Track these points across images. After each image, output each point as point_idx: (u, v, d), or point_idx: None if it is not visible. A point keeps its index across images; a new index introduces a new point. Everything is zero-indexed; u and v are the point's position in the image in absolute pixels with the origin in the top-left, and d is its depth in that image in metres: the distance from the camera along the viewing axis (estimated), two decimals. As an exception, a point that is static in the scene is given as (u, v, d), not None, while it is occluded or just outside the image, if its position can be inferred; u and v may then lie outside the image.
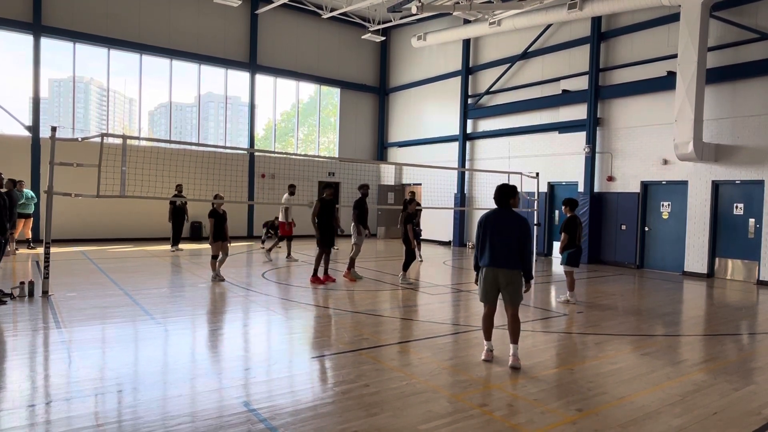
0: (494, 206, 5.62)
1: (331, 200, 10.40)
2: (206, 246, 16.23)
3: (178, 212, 15.32)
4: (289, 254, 13.76)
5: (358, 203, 10.86)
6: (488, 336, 5.66)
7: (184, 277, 10.70)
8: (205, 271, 11.38)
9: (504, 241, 5.36)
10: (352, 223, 10.81)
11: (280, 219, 13.85)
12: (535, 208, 15.48)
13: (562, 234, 9.02)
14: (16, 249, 13.45)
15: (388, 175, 23.44)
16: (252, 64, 20.02)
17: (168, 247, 15.53)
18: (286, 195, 13.72)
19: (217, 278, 10.08)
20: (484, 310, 5.62)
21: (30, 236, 14.60)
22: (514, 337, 5.44)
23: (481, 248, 5.52)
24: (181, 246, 15.57)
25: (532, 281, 6.42)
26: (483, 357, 5.56)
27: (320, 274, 10.37)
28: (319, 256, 10.36)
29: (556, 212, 16.55)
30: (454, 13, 17.14)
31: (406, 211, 10.85)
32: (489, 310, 5.58)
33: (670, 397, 4.65)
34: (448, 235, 20.18)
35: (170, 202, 15.12)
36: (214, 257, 10.14)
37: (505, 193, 5.52)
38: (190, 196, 15.01)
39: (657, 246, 14.19)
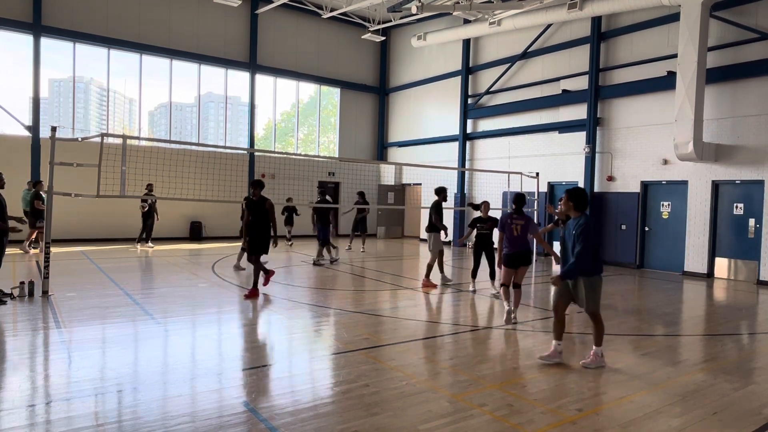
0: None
1: (256, 200, 8.70)
2: (206, 246, 16.24)
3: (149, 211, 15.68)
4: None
5: (436, 206, 10.63)
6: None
7: (184, 277, 10.70)
8: (205, 271, 11.39)
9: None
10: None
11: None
12: (535, 208, 15.51)
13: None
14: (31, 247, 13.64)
15: (388, 175, 23.43)
16: (252, 64, 20.01)
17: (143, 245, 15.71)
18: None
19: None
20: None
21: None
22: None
23: (595, 253, 5.34)
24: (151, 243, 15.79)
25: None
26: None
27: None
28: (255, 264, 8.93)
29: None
30: (454, 13, 17.13)
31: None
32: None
33: (670, 397, 4.65)
34: (448, 235, 20.13)
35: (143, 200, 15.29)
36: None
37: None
38: (189, 196, 14.94)
39: (657, 246, 14.18)
